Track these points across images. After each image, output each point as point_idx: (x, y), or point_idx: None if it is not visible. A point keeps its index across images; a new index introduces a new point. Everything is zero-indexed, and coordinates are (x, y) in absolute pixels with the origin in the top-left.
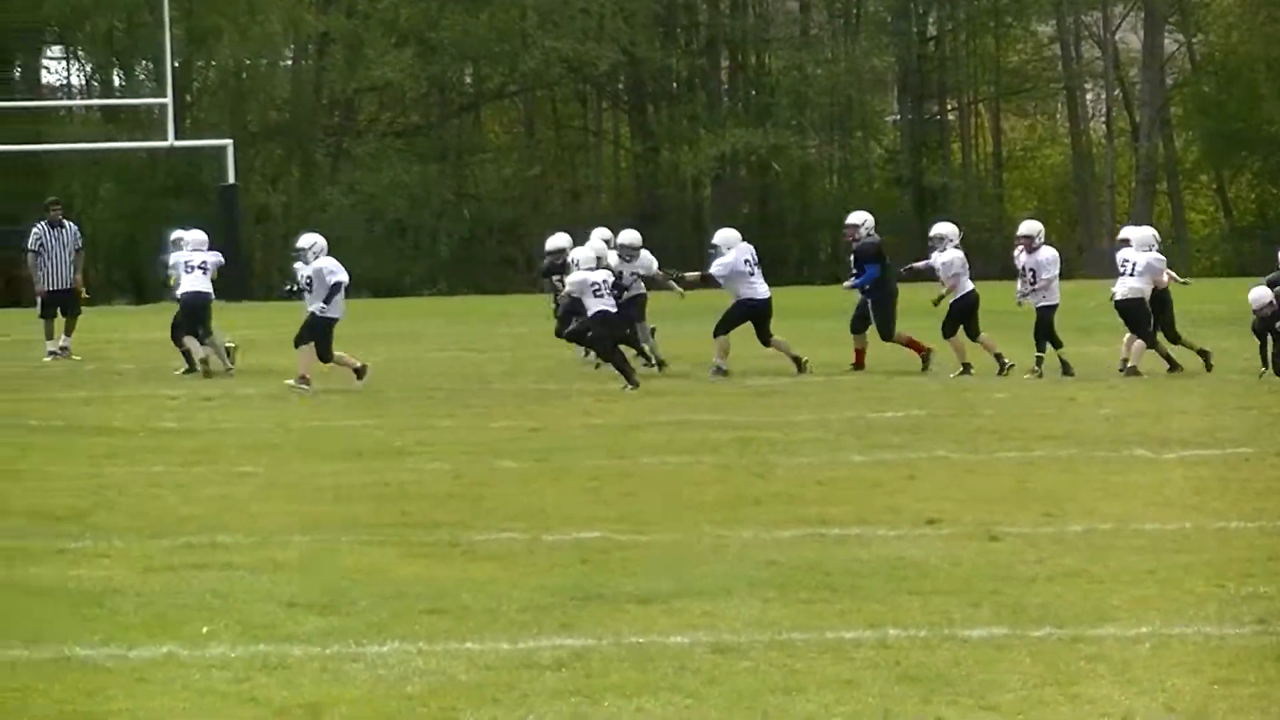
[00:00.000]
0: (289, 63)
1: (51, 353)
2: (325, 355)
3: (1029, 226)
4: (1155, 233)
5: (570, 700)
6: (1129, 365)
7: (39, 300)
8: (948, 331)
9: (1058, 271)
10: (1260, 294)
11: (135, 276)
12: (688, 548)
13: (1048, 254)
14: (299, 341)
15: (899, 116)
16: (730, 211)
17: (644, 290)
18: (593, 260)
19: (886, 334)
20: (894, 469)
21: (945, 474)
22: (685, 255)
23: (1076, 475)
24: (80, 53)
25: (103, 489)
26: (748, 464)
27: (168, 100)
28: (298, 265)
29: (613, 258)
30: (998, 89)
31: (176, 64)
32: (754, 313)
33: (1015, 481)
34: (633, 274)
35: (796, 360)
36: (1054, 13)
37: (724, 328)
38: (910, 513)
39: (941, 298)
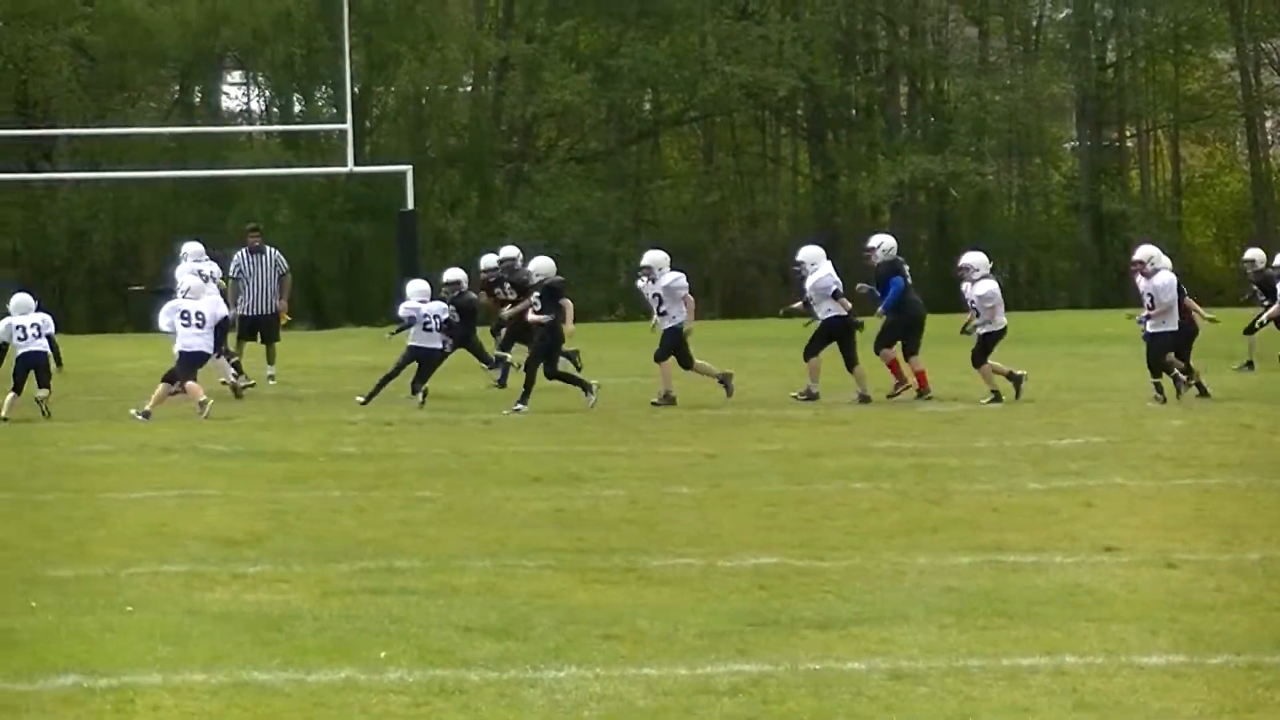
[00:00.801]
0: (468, 88)
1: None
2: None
3: (1142, 251)
4: None
5: None
6: None
7: (237, 325)
8: (977, 361)
9: (1175, 297)
10: None
11: (314, 301)
12: (865, 574)
13: (1164, 279)
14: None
15: (1077, 143)
16: (908, 238)
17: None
18: (425, 294)
19: (878, 346)
20: (1071, 496)
21: (1122, 501)
22: (864, 280)
23: (1254, 502)
24: (260, 78)
25: (281, 513)
26: (925, 490)
27: (347, 126)
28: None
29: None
30: (1176, 116)
31: (356, 90)
32: (843, 330)
33: (1192, 509)
34: (654, 295)
35: (810, 395)
36: (1233, 40)
37: (814, 349)
38: (1087, 540)
39: (971, 327)
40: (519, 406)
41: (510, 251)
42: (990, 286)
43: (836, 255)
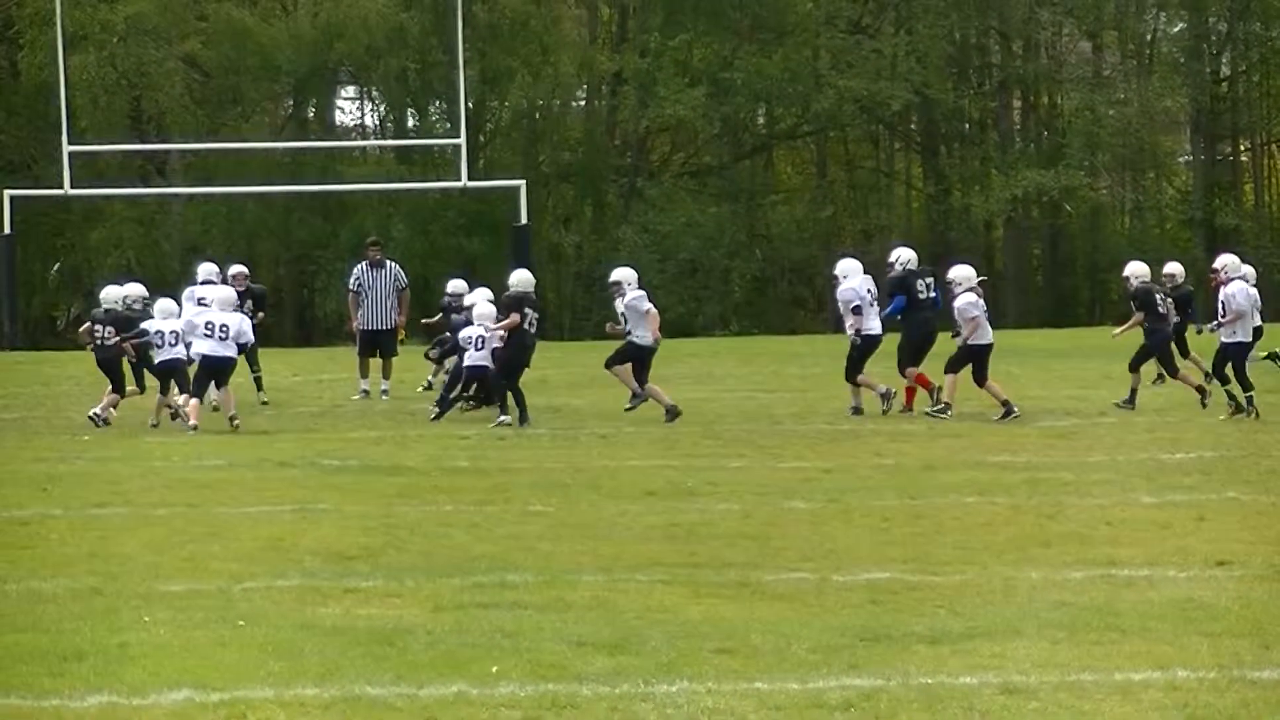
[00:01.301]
0: (581, 103)
1: (364, 391)
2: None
3: (1219, 259)
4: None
5: None
6: None
7: (357, 339)
8: (950, 367)
9: (1248, 306)
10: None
11: (428, 316)
12: (977, 588)
13: (1235, 287)
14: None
15: (1191, 157)
16: (1021, 253)
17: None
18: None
19: (900, 366)
20: (1184, 510)
21: (1236, 515)
22: None
23: None
24: (374, 93)
25: (394, 528)
26: (1038, 505)
27: (461, 141)
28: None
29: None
30: None
31: (470, 105)
32: (872, 348)
33: None
34: (620, 312)
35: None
36: None
37: (854, 369)
38: (1200, 554)
39: (957, 335)
40: (501, 419)
41: (457, 286)
42: (968, 299)
43: (949, 269)
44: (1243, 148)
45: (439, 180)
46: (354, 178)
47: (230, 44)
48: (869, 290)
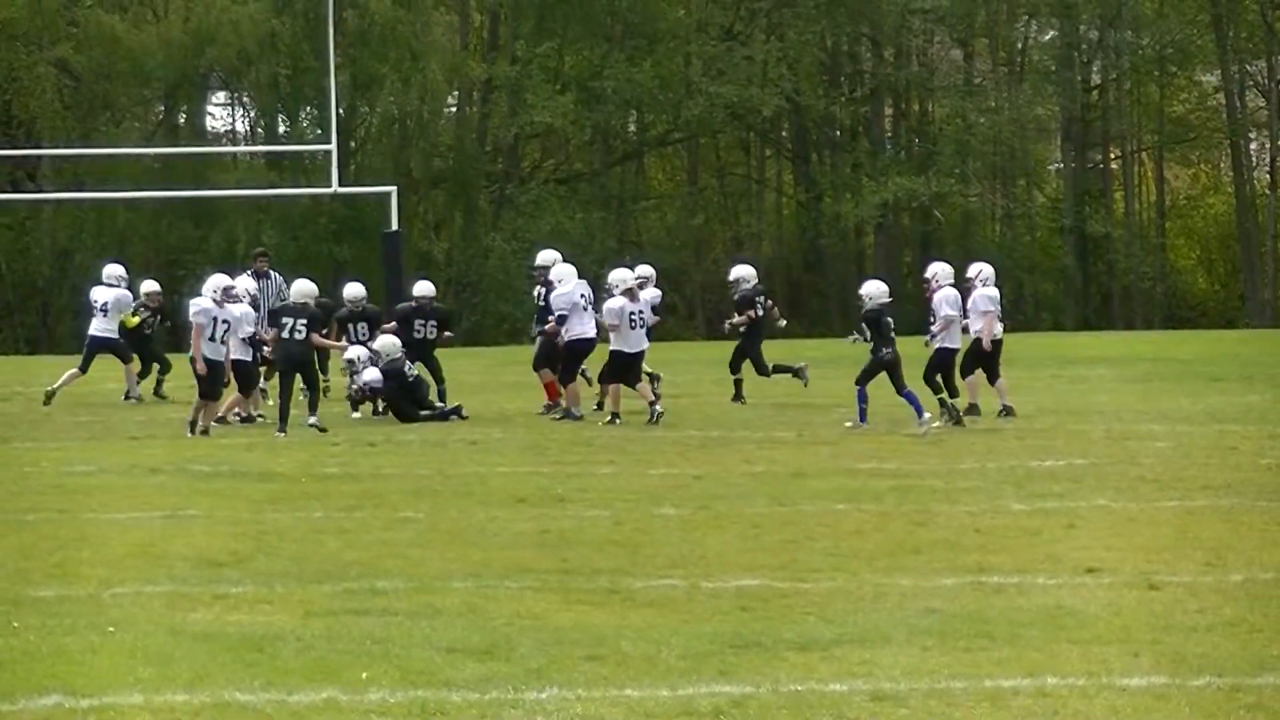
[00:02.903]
0: (452, 109)
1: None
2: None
3: (931, 267)
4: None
5: None
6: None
7: None
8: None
9: (955, 313)
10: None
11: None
12: (847, 595)
13: (942, 295)
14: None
15: (1062, 165)
16: (892, 259)
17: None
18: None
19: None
20: (1054, 517)
21: (1105, 523)
22: (847, 302)
23: (1237, 525)
24: (245, 99)
25: (264, 534)
26: (908, 512)
27: (332, 146)
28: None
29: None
30: (1161, 138)
31: (341, 111)
32: (582, 353)
33: (1176, 531)
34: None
35: (600, 404)
36: (1218, 62)
37: (566, 372)
38: (1070, 561)
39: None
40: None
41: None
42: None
43: (821, 275)
44: (1113, 155)
45: (309, 186)
46: (224, 183)
47: (101, 49)
48: (582, 295)
